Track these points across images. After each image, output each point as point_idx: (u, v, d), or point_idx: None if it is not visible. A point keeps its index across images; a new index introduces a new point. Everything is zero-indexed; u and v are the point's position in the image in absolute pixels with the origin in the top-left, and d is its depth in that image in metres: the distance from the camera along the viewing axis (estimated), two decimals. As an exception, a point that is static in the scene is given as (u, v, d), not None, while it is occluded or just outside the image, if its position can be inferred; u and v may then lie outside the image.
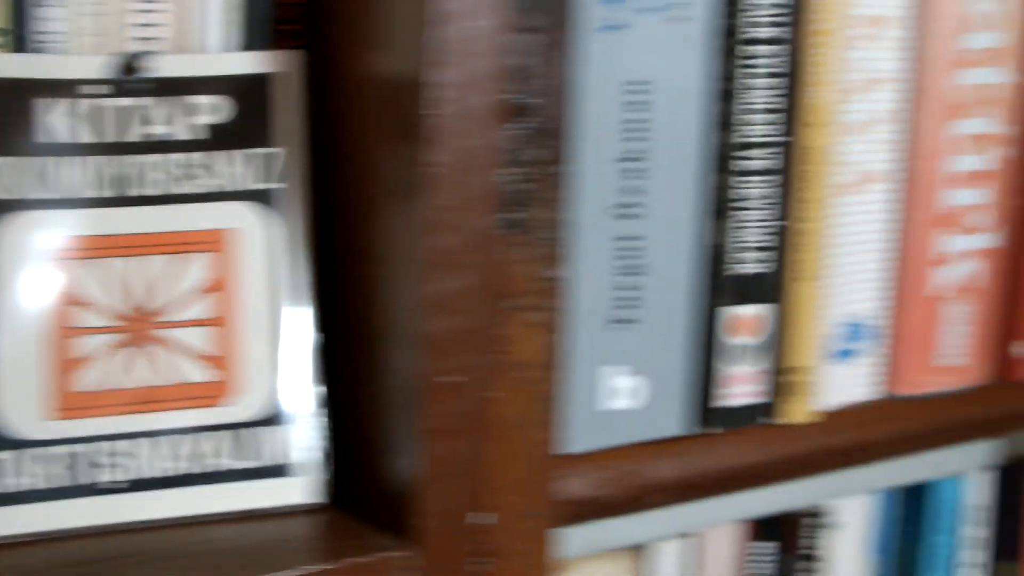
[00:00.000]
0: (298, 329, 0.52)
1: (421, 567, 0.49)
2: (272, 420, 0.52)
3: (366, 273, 0.51)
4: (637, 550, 0.63)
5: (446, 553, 0.50)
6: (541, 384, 0.52)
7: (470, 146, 0.48)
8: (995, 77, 0.66)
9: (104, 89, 0.50)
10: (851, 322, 0.64)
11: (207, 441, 0.51)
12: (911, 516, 0.73)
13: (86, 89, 0.50)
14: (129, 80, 0.51)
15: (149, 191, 0.51)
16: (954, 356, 0.67)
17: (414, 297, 0.49)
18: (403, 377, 0.50)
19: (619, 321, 0.56)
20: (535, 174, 0.50)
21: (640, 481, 0.57)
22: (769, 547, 0.67)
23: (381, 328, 0.51)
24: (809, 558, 0.69)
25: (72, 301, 0.50)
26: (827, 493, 0.70)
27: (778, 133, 0.59)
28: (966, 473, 0.74)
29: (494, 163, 0.49)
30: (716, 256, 0.58)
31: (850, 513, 0.70)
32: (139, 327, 0.50)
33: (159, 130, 0.51)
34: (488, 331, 0.50)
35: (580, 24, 0.53)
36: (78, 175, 0.50)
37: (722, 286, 0.59)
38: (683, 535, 0.63)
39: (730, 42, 0.57)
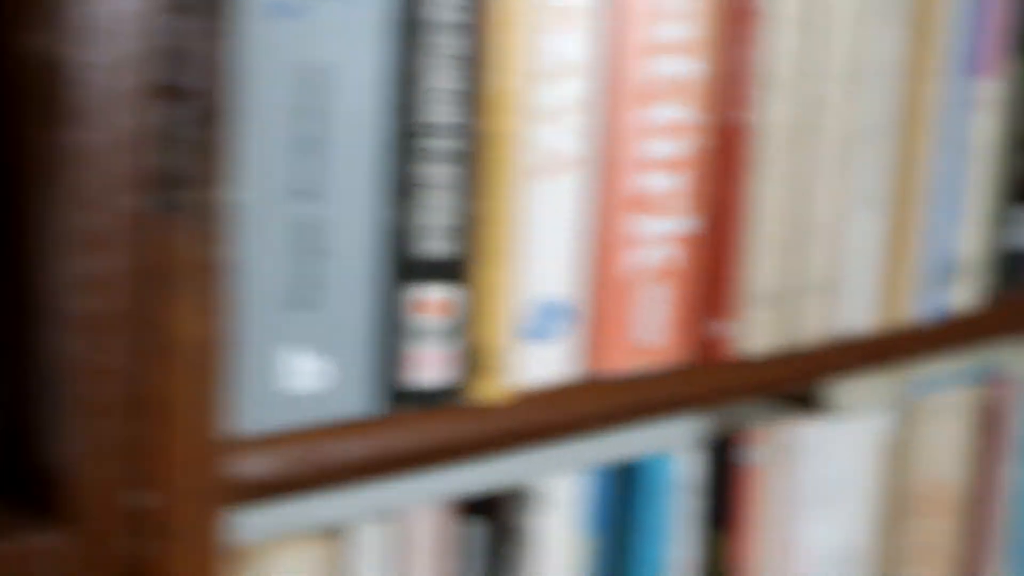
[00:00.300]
0: (-43, 313, 0.51)
1: (74, 550, 0.49)
2: (-74, 406, 0.51)
3: (22, 254, 0.51)
4: (335, 533, 0.63)
5: (102, 536, 0.49)
6: (206, 365, 0.52)
7: (118, 126, 0.48)
8: (686, 67, 0.68)
9: None
10: (545, 303, 0.65)
11: None
12: (625, 493, 0.76)
13: None
14: None
15: None
16: (652, 336, 0.70)
17: (63, 277, 0.48)
18: (56, 358, 0.49)
19: (299, 302, 0.57)
20: (194, 155, 0.50)
21: (323, 461, 0.58)
22: (478, 527, 0.68)
23: (36, 309, 0.50)
24: (519, 537, 0.70)
25: None
26: (537, 472, 0.71)
27: (462, 118, 0.60)
28: (677, 449, 0.77)
29: (147, 144, 0.49)
30: (401, 238, 0.59)
31: (561, 491, 0.72)
32: None
33: None
34: (143, 312, 0.50)
35: (248, 7, 0.53)
36: None
37: (408, 268, 0.60)
38: (383, 516, 0.64)
39: (412, 27, 0.58)
